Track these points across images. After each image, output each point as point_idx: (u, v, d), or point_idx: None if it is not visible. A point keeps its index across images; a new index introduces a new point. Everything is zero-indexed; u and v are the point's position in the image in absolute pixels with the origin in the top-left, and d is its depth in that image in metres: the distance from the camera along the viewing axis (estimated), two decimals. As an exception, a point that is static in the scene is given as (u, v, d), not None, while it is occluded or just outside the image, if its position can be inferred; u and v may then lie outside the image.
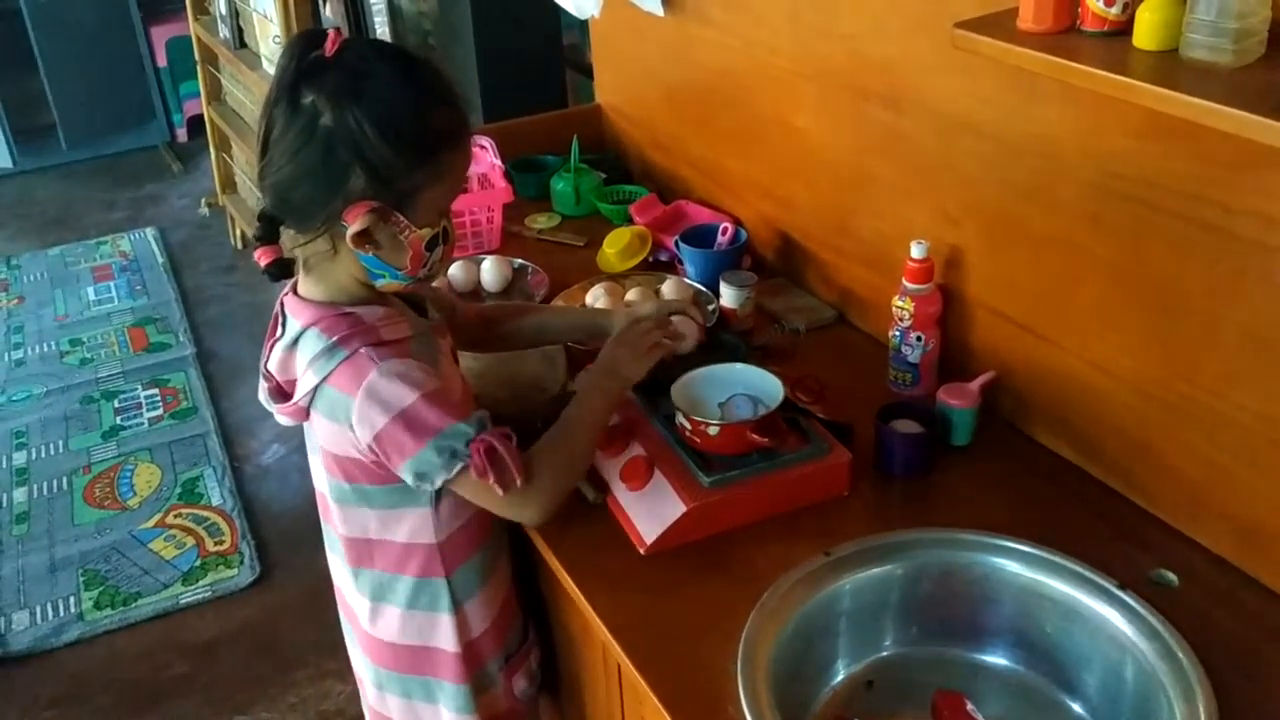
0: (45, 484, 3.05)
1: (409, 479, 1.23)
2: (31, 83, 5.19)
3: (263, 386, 1.32)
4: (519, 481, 1.22)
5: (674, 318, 1.47)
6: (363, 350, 1.20)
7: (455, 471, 1.21)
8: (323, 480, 1.34)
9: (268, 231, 1.23)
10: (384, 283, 1.25)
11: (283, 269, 1.25)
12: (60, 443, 3.22)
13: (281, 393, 1.29)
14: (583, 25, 2.58)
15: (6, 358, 3.71)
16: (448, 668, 1.39)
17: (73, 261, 4.39)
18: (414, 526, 1.32)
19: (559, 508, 1.31)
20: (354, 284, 1.25)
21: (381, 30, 4.08)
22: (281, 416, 1.30)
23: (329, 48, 1.16)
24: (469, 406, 1.27)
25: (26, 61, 5.06)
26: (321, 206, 1.18)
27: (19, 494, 3.01)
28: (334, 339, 1.21)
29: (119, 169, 5.25)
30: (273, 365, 1.28)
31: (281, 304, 1.29)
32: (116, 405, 3.39)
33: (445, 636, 1.37)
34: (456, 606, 1.36)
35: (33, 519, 2.91)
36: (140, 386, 3.48)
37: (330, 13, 5.92)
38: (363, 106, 1.14)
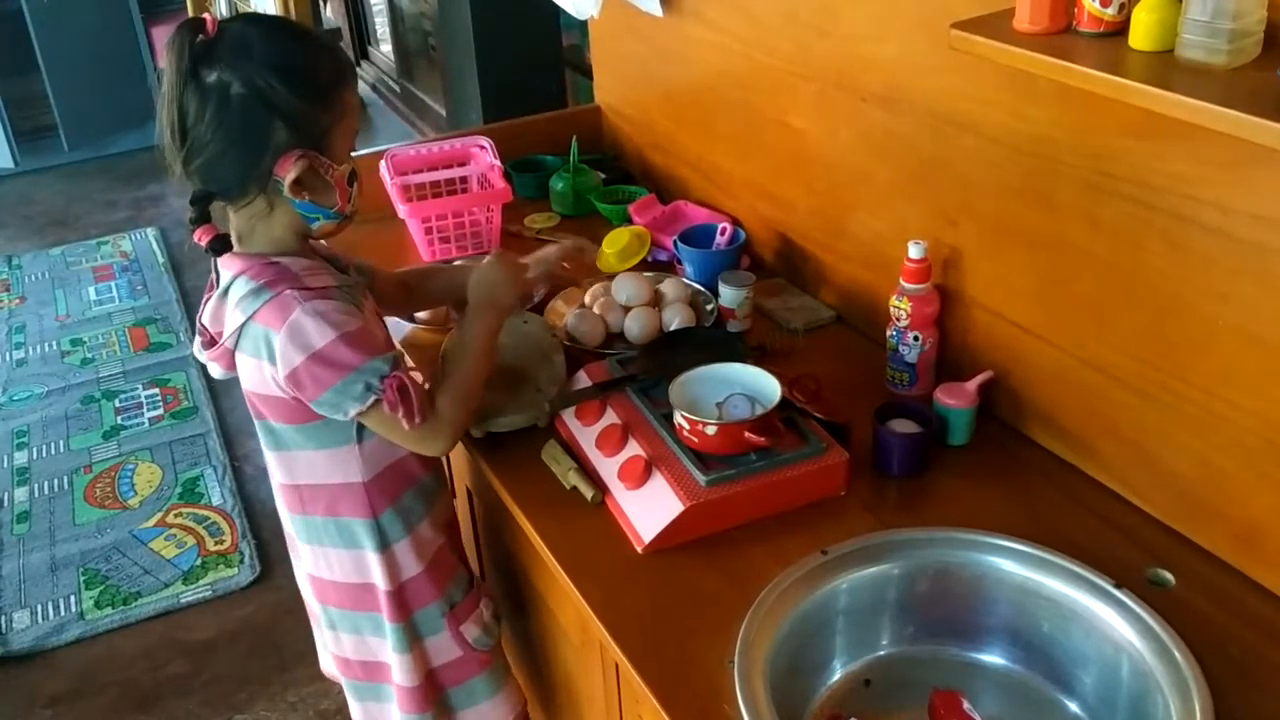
0: (46, 483, 3.05)
1: (324, 410, 1.30)
2: (33, 83, 5.20)
3: (198, 341, 1.41)
4: (419, 419, 1.30)
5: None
6: (288, 292, 1.29)
7: (369, 404, 1.28)
8: (259, 429, 1.41)
9: (202, 212, 1.33)
10: (320, 225, 1.34)
11: (225, 243, 1.35)
12: (61, 442, 3.23)
13: (215, 345, 1.37)
14: (583, 26, 2.58)
15: (8, 357, 3.71)
16: (384, 605, 1.45)
17: (74, 261, 4.40)
18: (341, 466, 1.38)
19: (459, 439, 1.42)
20: (290, 236, 1.34)
21: (382, 30, 4.09)
22: (213, 365, 1.39)
23: (211, 28, 1.26)
24: (389, 347, 1.37)
25: (28, 62, 5.07)
26: (254, 169, 1.27)
27: (20, 493, 3.02)
28: (261, 282, 1.29)
29: (120, 169, 5.25)
30: (206, 318, 1.37)
31: (215, 263, 1.37)
32: (117, 405, 3.39)
33: (378, 575, 1.43)
34: (384, 547, 1.42)
35: (34, 518, 2.92)
36: (141, 386, 3.48)
37: (331, 13, 5.94)
38: (264, 67, 1.24)
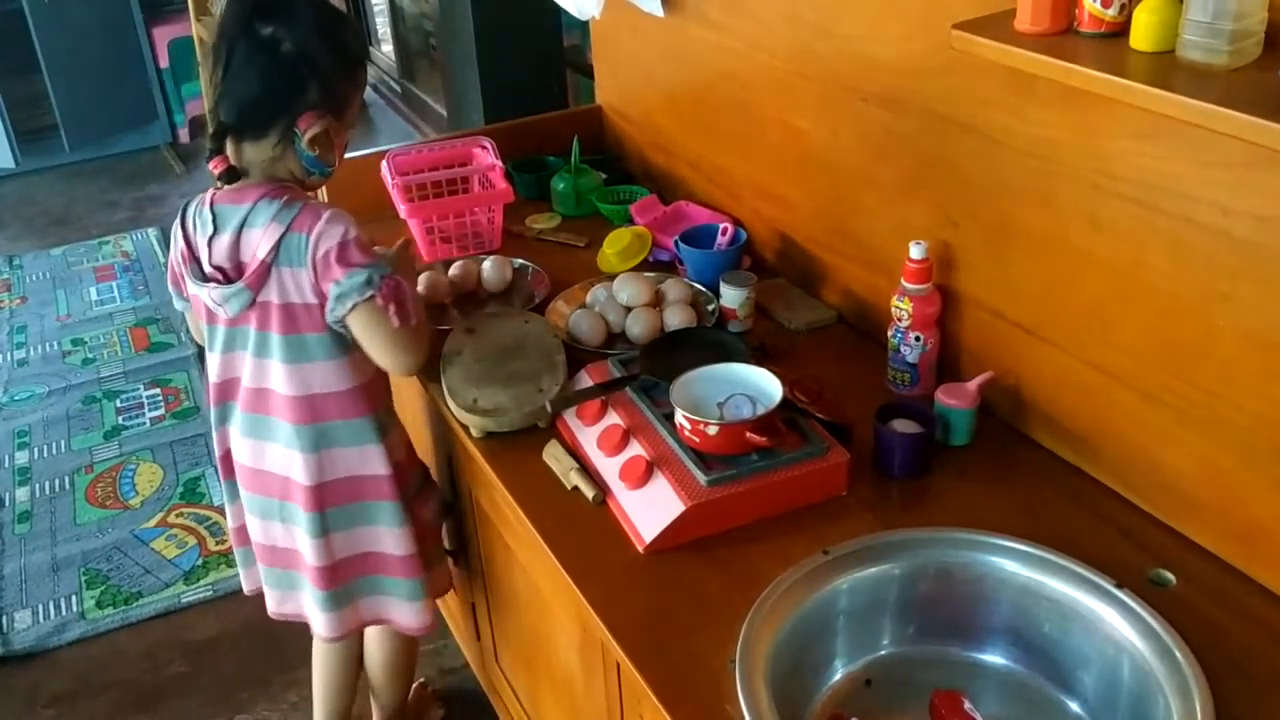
0: (47, 483, 3.05)
1: (330, 300, 1.47)
2: (34, 83, 5.19)
3: (206, 290, 1.50)
4: (413, 321, 1.50)
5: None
6: (311, 202, 1.50)
7: (365, 297, 1.46)
8: (275, 351, 1.53)
9: (220, 145, 1.49)
10: (314, 178, 1.55)
11: (235, 174, 1.50)
12: (62, 442, 3.23)
13: (231, 281, 1.49)
14: (584, 26, 2.59)
15: (9, 357, 3.71)
16: (385, 488, 1.64)
17: (75, 261, 4.40)
18: (353, 370, 1.57)
19: (423, 365, 1.58)
20: (290, 179, 1.52)
21: (383, 30, 4.09)
22: (232, 302, 1.49)
23: None
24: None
25: (29, 62, 5.07)
26: (281, 117, 1.47)
27: (21, 493, 3.02)
28: (285, 198, 1.48)
29: (121, 169, 5.26)
30: (220, 259, 1.50)
31: (211, 205, 1.50)
32: (118, 405, 3.39)
33: (379, 463, 1.62)
34: (383, 436, 1.62)
35: (35, 518, 2.91)
36: (142, 386, 3.48)
37: (332, 13, 5.90)
38: (314, 33, 1.46)
